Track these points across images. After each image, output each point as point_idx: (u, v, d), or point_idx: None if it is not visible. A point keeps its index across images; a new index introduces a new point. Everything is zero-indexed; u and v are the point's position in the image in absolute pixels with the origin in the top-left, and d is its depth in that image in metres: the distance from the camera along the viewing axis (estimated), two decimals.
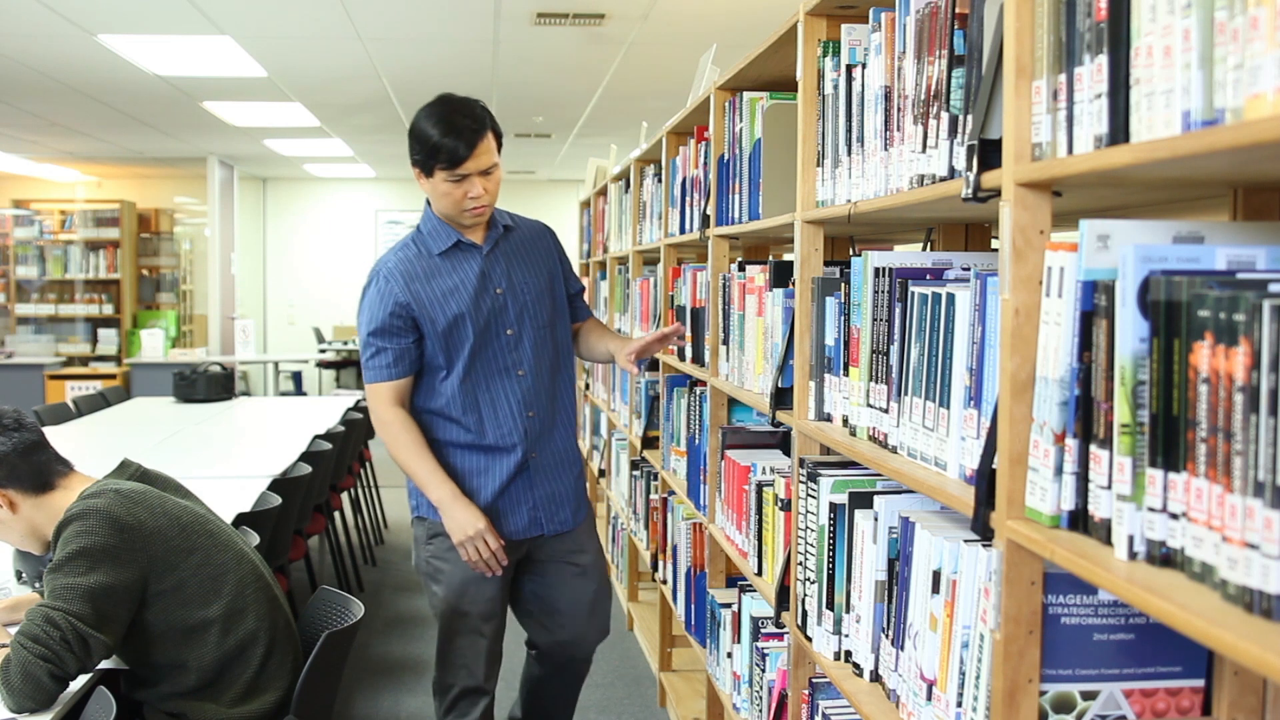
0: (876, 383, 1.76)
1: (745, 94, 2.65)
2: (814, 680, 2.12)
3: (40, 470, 2.29)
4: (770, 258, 3.00)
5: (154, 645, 2.21)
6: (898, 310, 1.66)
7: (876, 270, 1.74)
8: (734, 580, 3.04)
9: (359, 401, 6.45)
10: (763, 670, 2.46)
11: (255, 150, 10.33)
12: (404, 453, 2.61)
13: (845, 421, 1.92)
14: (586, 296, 3.09)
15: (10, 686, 1.93)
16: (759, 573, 2.48)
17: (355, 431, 5.63)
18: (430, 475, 2.59)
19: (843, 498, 1.87)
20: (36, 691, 1.94)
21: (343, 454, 5.18)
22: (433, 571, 2.66)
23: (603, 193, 5.63)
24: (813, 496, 1.96)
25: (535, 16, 5.26)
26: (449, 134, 2.47)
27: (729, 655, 2.83)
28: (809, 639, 2.00)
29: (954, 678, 1.45)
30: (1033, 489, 1.22)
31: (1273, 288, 0.91)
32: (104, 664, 2.11)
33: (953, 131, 1.47)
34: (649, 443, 4.04)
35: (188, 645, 2.22)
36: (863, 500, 1.82)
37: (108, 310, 10.56)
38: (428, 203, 2.66)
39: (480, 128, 2.52)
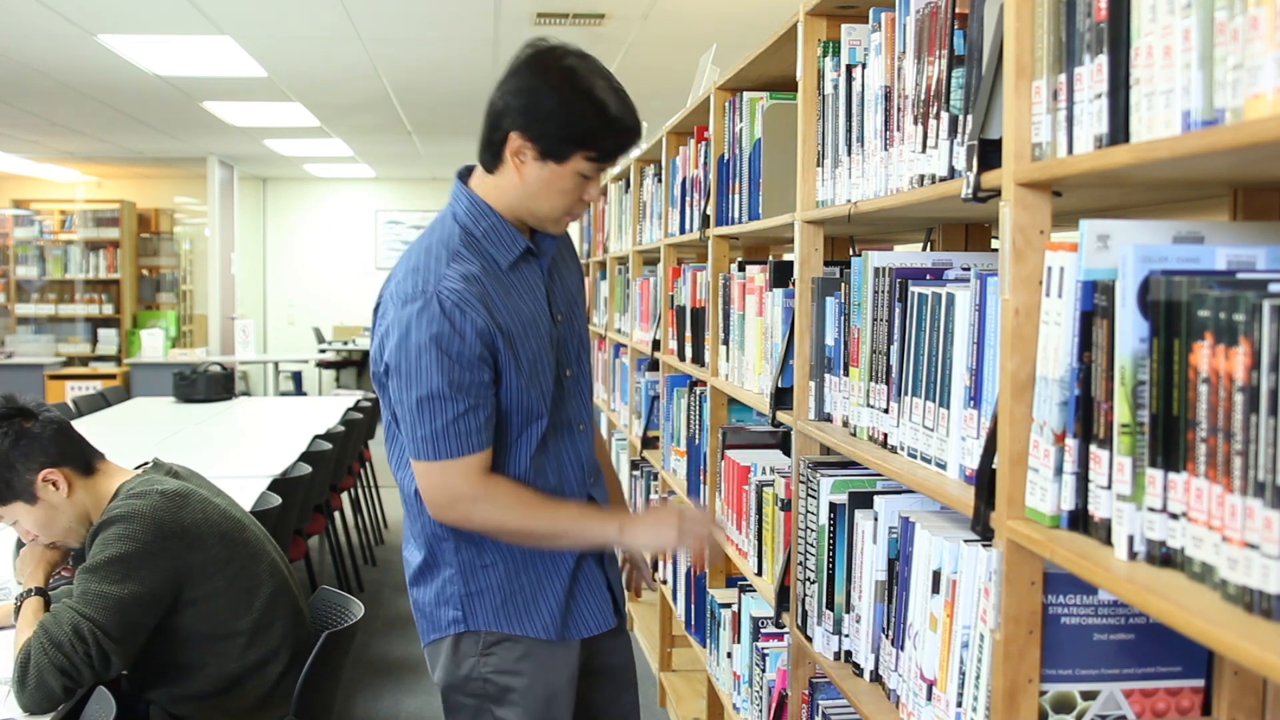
0: (876, 383, 1.76)
1: (745, 94, 2.65)
2: (814, 680, 2.12)
3: (83, 451, 2.28)
4: (770, 258, 3.00)
5: (178, 647, 2.19)
6: (898, 310, 1.66)
7: (876, 270, 1.74)
8: (734, 580, 3.04)
9: (359, 401, 6.45)
10: (763, 670, 2.46)
11: (255, 150, 10.33)
12: (547, 511, 1.88)
13: (845, 421, 1.92)
14: (586, 296, 2.62)
15: (24, 687, 1.93)
16: (759, 573, 2.48)
17: (355, 431, 5.63)
18: (582, 519, 1.92)
19: (843, 498, 1.87)
20: (46, 699, 1.94)
21: (343, 454, 5.18)
22: (496, 692, 1.92)
23: (603, 192, 5.63)
24: (813, 496, 1.96)
25: (535, 16, 5.26)
26: (621, 117, 1.82)
27: (729, 655, 2.83)
28: (809, 639, 2.00)
29: (954, 678, 1.45)
30: (1033, 489, 1.22)
31: (1273, 288, 0.91)
32: None
33: (953, 131, 1.47)
34: (649, 443, 4.04)
35: (211, 652, 2.21)
36: (863, 500, 1.82)
37: (108, 310, 10.56)
38: (462, 184, 1.92)
39: (639, 120, 1.90)
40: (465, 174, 1.93)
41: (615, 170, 5.16)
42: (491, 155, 1.85)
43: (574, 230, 10.07)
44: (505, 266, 1.86)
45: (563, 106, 1.77)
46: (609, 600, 2.01)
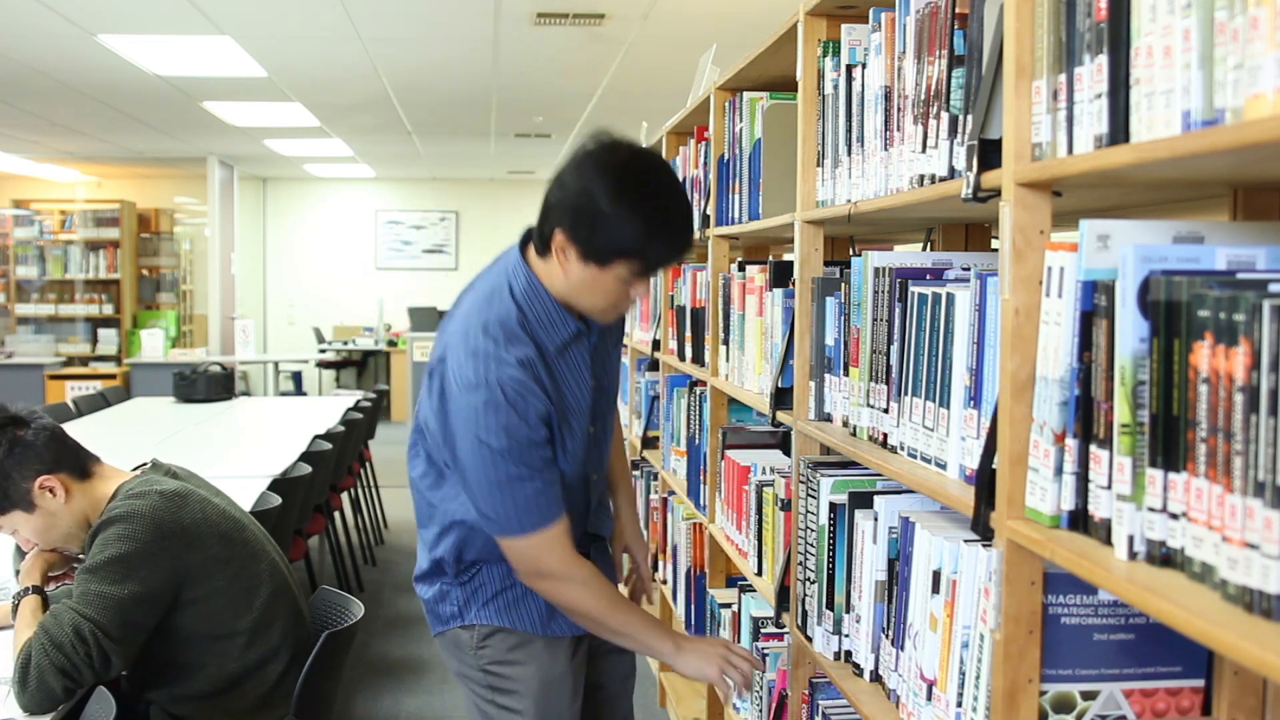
0: (876, 383, 1.76)
1: (745, 94, 2.65)
2: (814, 680, 2.12)
3: (78, 455, 2.27)
4: (770, 258, 3.00)
5: (177, 647, 2.19)
6: (898, 310, 1.66)
7: (876, 270, 1.74)
8: (734, 580, 3.04)
9: (359, 401, 6.45)
10: (763, 670, 2.46)
11: (255, 150, 10.33)
12: (619, 610, 1.95)
13: (845, 421, 1.92)
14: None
15: (25, 687, 1.93)
16: (759, 573, 2.48)
17: (355, 431, 5.63)
18: (647, 630, 1.98)
19: (843, 498, 1.87)
20: (47, 699, 1.94)
21: (343, 454, 5.18)
22: (497, 682, 2.03)
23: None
24: (813, 496, 1.96)
25: (535, 16, 5.26)
26: (670, 230, 1.80)
27: None
28: (809, 639, 2.00)
29: (954, 678, 1.45)
30: (1033, 489, 1.22)
31: (1273, 288, 0.91)
32: None
33: (953, 131, 1.47)
34: (649, 443, 4.04)
35: (211, 652, 2.21)
36: (863, 500, 1.82)
37: (108, 310, 10.56)
38: (522, 259, 1.91)
39: (693, 227, 1.87)
40: (525, 240, 1.93)
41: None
42: (542, 243, 1.86)
43: None
44: (553, 351, 1.90)
45: (610, 218, 1.74)
46: None
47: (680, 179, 1.83)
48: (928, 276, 1.67)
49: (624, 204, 1.74)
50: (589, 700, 2.19)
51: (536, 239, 1.88)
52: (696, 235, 3.12)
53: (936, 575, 1.52)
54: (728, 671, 1.97)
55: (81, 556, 2.21)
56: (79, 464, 2.25)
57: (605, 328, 2.02)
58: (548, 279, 1.88)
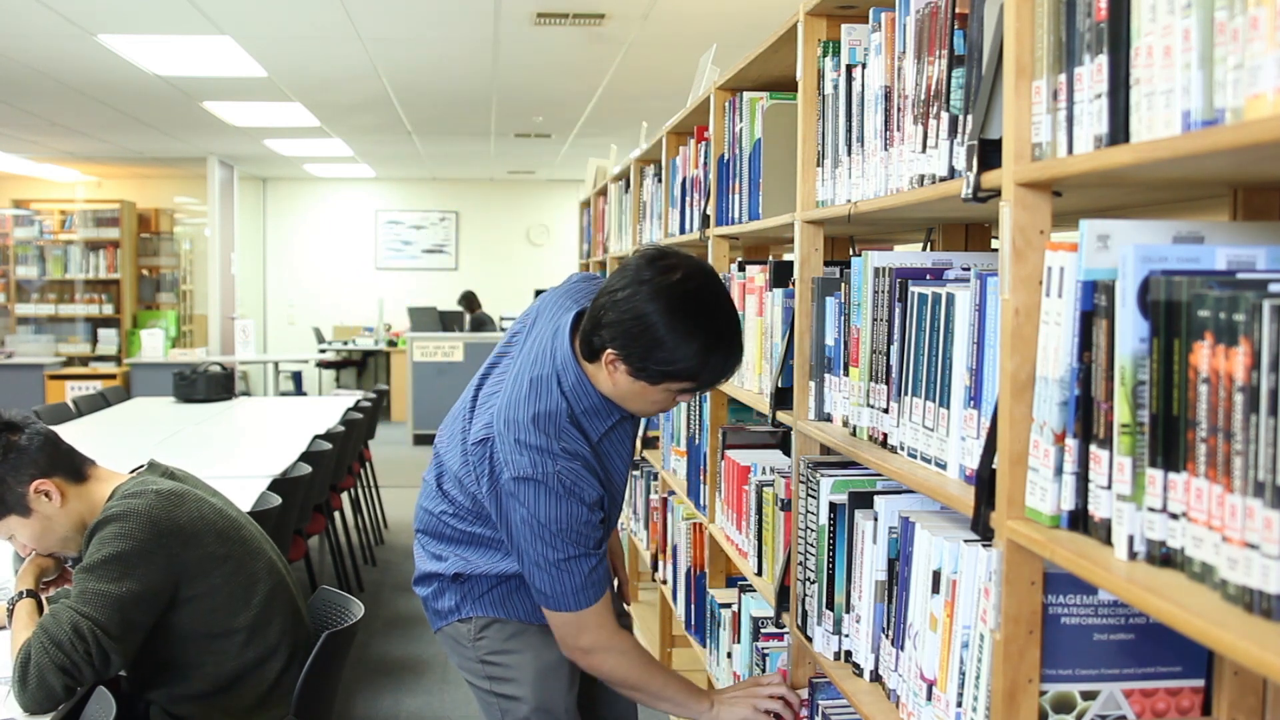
0: (876, 383, 1.76)
1: (745, 94, 2.65)
2: (814, 680, 2.12)
3: (72, 459, 2.27)
4: (770, 258, 3.00)
5: (175, 646, 2.19)
6: (898, 310, 1.66)
7: (876, 270, 1.74)
8: (734, 580, 3.04)
9: (359, 401, 6.45)
10: (763, 670, 2.46)
11: (255, 150, 10.33)
12: (656, 676, 2.03)
13: (845, 421, 1.92)
14: None
15: (25, 686, 1.93)
16: (759, 573, 2.48)
17: (355, 431, 5.63)
18: (683, 694, 2.04)
19: (843, 498, 1.87)
20: (47, 698, 1.94)
21: (343, 454, 5.18)
22: (495, 671, 2.09)
23: (603, 193, 5.63)
24: (813, 496, 1.96)
25: (535, 16, 5.26)
26: (721, 355, 1.85)
27: (729, 655, 2.82)
28: (809, 639, 2.00)
29: (954, 678, 1.45)
30: (1033, 489, 1.22)
31: (1273, 288, 0.91)
32: None
33: (953, 131, 1.47)
34: (649, 443, 4.04)
35: (209, 651, 2.21)
36: (863, 500, 1.82)
37: (108, 310, 10.56)
38: (572, 354, 1.95)
39: (742, 348, 1.93)
40: (574, 323, 1.96)
41: (615, 170, 5.17)
42: (590, 351, 1.91)
43: (574, 230, 9.89)
44: (597, 439, 1.97)
45: (662, 344, 1.79)
46: None
47: (725, 298, 1.90)
48: (928, 276, 1.67)
49: (679, 332, 1.78)
50: (587, 693, 2.24)
51: (584, 345, 1.92)
52: (697, 234, 3.12)
53: (936, 575, 1.52)
54: (760, 706, 2.04)
55: (79, 558, 2.21)
56: (74, 467, 2.25)
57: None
58: (595, 379, 1.94)
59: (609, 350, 1.85)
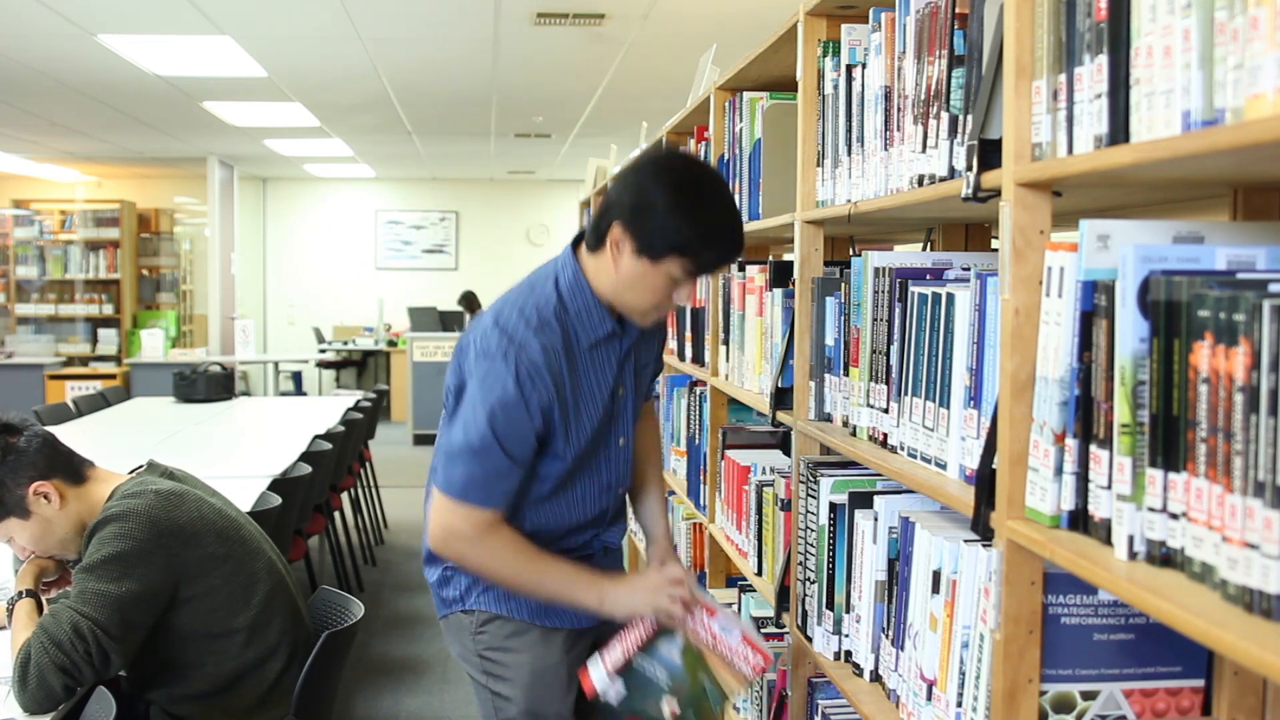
0: (876, 383, 1.76)
1: (745, 94, 2.65)
2: (814, 680, 2.12)
3: (71, 460, 2.27)
4: (770, 258, 3.00)
5: (175, 646, 2.19)
6: (898, 310, 1.66)
7: (876, 270, 1.74)
8: (734, 580, 3.04)
9: (359, 401, 6.45)
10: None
11: (255, 150, 10.33)
12: (523, 573, 1.95)
13: (845, 421, 1.92)
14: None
15: (25, 686, 1.93)
16: (759, 573, 2.48)
17: (355, 431, 5.63)
18: (567, 584, 1.97)
19: (843, 498, 1.87)
20: (48, 698, 1.94)
21: (343, 454, 5.18)
22: (491, 668, 2.07)
23: (603, 192, 5.63)
24: (813, 496, 1.96)
25: (535, 16, 5.26)
26: (722, 235, 1.87)
27: None
28: (809, 639, 2.00)
29: (954, 678, 1.45)
30: (1033, 489, 1.22)
31: (1273, 288, 0.91)
32: None
33: (953, 131, 1.47)
34: None
35: (209, 651, 2.21)
36: (863, 500, 1.82)
37: (108, 310, 10.56)
38: (572, 253, 1.98)
39: (743, 239, 1.93)
40: (577, 241, 2.00)
41: (615, 170, 5.16)
42: (596, 238, 1.93)
43: (574, 230, 10.04)
44: (586, 346, 1.95)
45: (668, 212, 1.82)
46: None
47: (726, 186, 1.93)
48: (928, 276, 1.67)
49: (684, 203, 1.82)
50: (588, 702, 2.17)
51: (590, 235, 1.95)
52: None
53: (936, 575, 1.52)
54: (663, 601, 1.96)
55: (78, 560, 2.21)
56: (73, 469, 2.25)
57: (641, 340, 2.07)
58: (595, 276, 1.94)
59: (615, 225, 1.87)
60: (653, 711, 1.95)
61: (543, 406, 1.88)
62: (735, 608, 2.77)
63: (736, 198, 2.70)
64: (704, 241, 1.84)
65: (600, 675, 1.95)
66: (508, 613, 2.05)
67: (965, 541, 1.44)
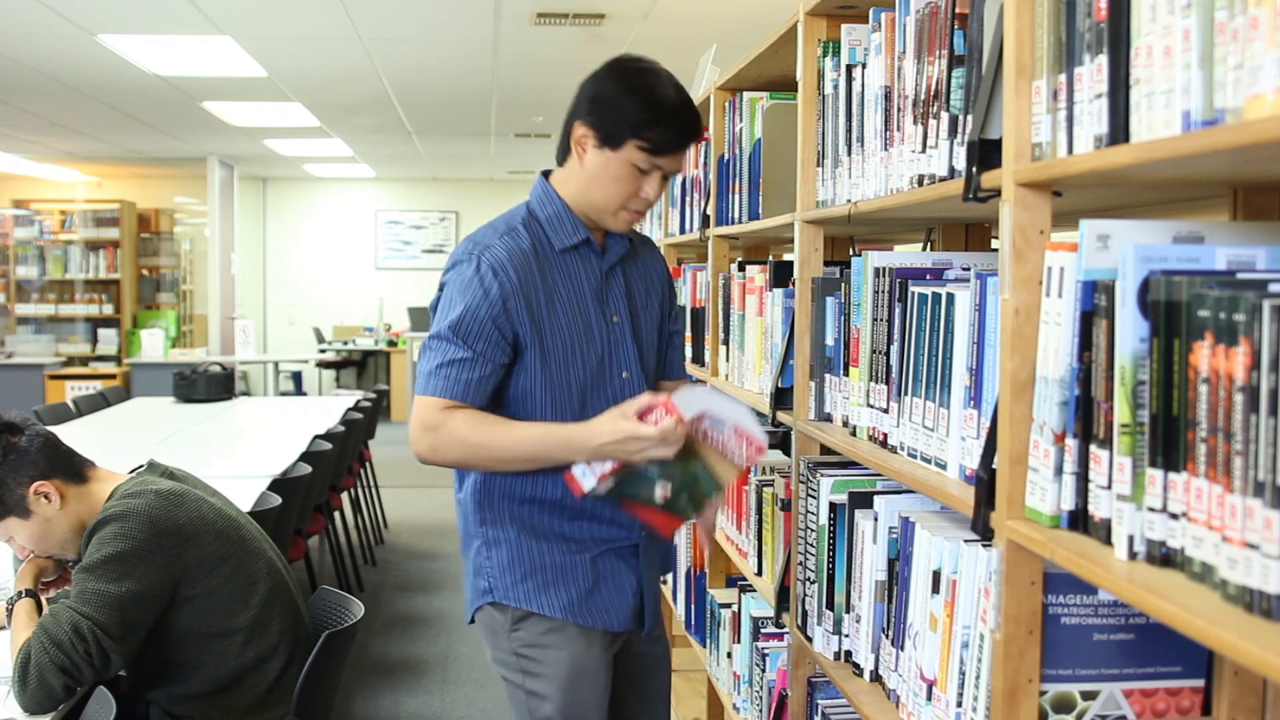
0: (876, 383, 1.76)
1: (745, 94, 2.65)
2: (814, 680, 2.12)
3: (72, 460, 2.27)
4: (770, 258, 3.00)
5: (174, 645, 2.19)
6: (898, 310, 1.66)
7: (876, 270, 1.74)
8: (734, 580, 3.04)
9: (359, 401, 6.45)
10: (763, 670, 2.46)
11: (255, 150, 10.33)
12: (495, 435, 1.89)
13: (845, 421, 1.92)
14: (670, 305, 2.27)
15: (25, 686, 1.93)
16: (759, 573, 2.48)
17: (355, 431, 5.63)
18: (540, 437, 1.90)
19: (843, 498, 1.87)
20: (48, 698, 1.94)
21: (343, 454, 5.18)
22: (528, 665, 1.99)
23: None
24: (813, 496, 1.96)
25: (535, 16, 5.26)
26: (674, 113, 1.91)
27: (729, 655, 2.83)
28: (809, 639, 2.00)
29: (954, 678, 1.45)
30: (1033, 489, 1.22)
31: (1273, 288, 0.91)
32: None
33: (953, 131, 1.47)
34: None
35: (209, 650, 2.21)
36: (863, 500, 1.82)
37: (108, 310, 10.56)
38: (543, 177, 2.03)
39: (701, 128, 1.98)
40: (547, 174, 2.05)
41: None
42: (563, 148, 2.00)
43: None
44: (558, 249, 1.98)
45: (619, 95, 1.91)
46: (630, 603, 2.03)
47: (672, 76, 1.98)
48: (928, 276, 1.67)
49: (635, 87, 1.92)
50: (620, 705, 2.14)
51: (559, 150, 2.02)
52: (697, 234, 3.11)
53: (936, 575, 1.52)
54: (652, 441, 1.82)
55: (78, 560, 2.21)
56: (74, 469, 2.25)
57: (633, 268, 2.07)
58: (563, 185, 2.00)
59: (576, 125, 1.95)
60: (645, 494, 1.88)
61: (505, 297, 1.89)
62: (735, 608, 2.77)
63: (736, 198, 2.71)
64: (658, 119, 1.89)
65: (589, 480, 1.86)
66: (540, 609, 1.98)
67: (965, 541, 1.44)
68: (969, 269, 1.66)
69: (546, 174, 2.04)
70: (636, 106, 1.89)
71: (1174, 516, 1.01)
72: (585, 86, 1.98)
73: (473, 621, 2.08)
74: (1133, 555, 1.06)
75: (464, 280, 1.91)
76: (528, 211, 2.00)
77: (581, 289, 1.98)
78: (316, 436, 4.83)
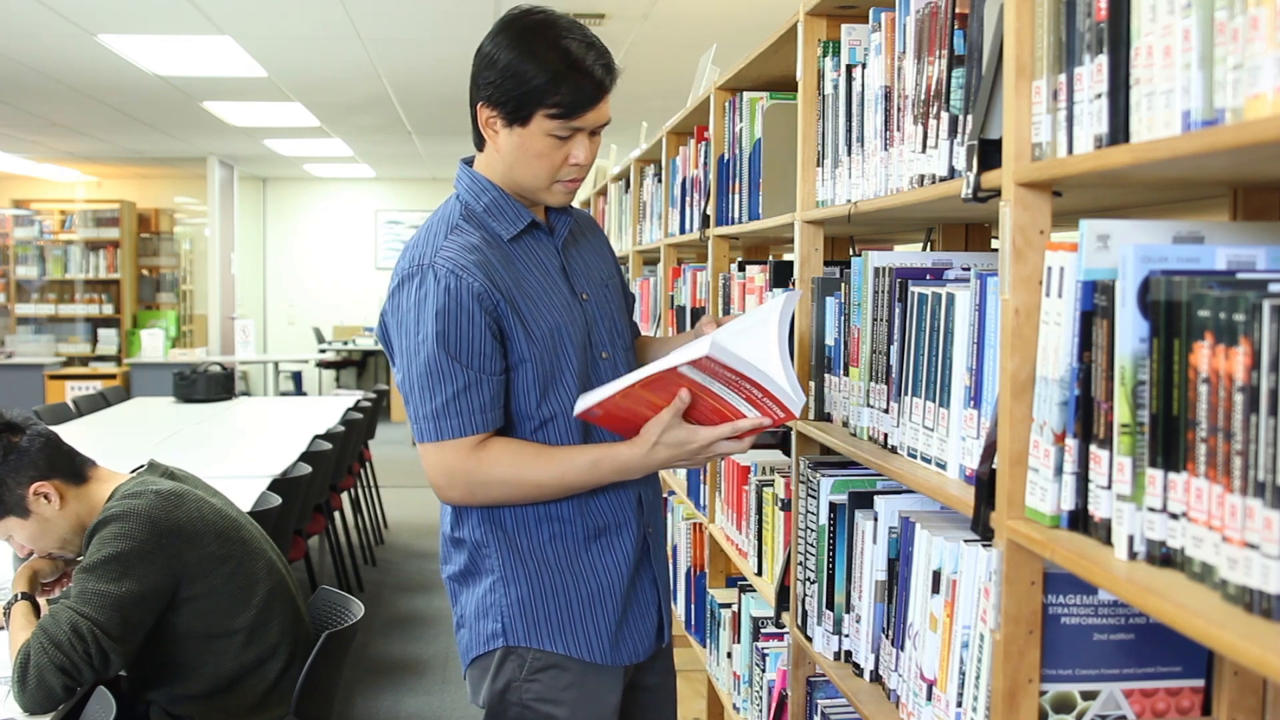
0: (876, 383, 1.76)
1: (745, 94, 2.65)
2: (813, 680, 2.12)
3: (72, 460, 2.27)
4: (770, 258, 3.00)
5: (174, 646, 2.20)
6: (898, 310, 1.66)
7: (876, 270, 1.74)
8: (734, 580, 3.04)
9: (359, 401, 6.45)
10: (763, 670, 2.46)
11: (255, 150, 10.33)
12: (538, 465, 1.72)
13: (845, 422, 1.92)
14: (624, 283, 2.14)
15: (24, 687, 1.93)
16: (759, 573, 2.48)
17: (355, 431, 5.63)
18: (592, 464, 1.72)
19: (843, 498, 1.87)
20: (47, 698, 1.94)
21: (343, 454, 5.18)
22: (531, 717, 1.78)
23: (603, 193, 5.63)
24: (813, 496, 1.96)
25: None
26: (576, 66, 1.69)
27: (729, 655, 2.83)
28: (809, 639, 2.00)
29: (954, 678, 1.45)
30: (1033, 489, 1.22)
31: (1273, 288, 0.91)
32: None
33: (953, 131, 1.47)
34: None
35: (209, 651, 2.21)
36: (863, 500, 1.82)
37: (108, 310, 10.57)
38: (465, 165, 1.86)
39: (612, 67, 1.75)
40: (470, 161, 1.89)
41: (615, 170, 5.16)
42: (476, 133, 1.81)
43: None
44: (507, 239, 1.78)
45: (511, 66, 1.69)
46: (655, 623, 1.91)
47: (568, 18, 1.77)
48: (928, 276, 1.67)
49: (524, 51, 1.70)
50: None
51: (474, 136, 1.83)
52: (697, 234, 3.12)
53: (936, 575, 1.52)
54: (712, 449, 1.69)
55: (79, 559, 2.21)
56: (74, 469, 2.25)
57: (582, 241, 1.92)
58: (489, 171, 1.81)
59: (479, 106, 1.75)
60: None
61: (479, 298, 1.68)
62: (735, 608, 2.77)
63: (736, 198, 2.71)
64: (561, 79, 1.68)
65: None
66: (567, 651, 1.77)
67: (965, 541, 1.44)
68: (969, 269, 1.66)
69: (469, 161, 1.86)
70: (535, 72, 1.67)
71: (1174, 516, 1.01)
72: (477, 60, 1.76)
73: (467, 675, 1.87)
74: (1133, 555, 1.06)
75: (423, 296, 1.68)
76: (461, 206, 1.79)
77: (548, 271, 1.80)
78: (316, 436, 4.84)
